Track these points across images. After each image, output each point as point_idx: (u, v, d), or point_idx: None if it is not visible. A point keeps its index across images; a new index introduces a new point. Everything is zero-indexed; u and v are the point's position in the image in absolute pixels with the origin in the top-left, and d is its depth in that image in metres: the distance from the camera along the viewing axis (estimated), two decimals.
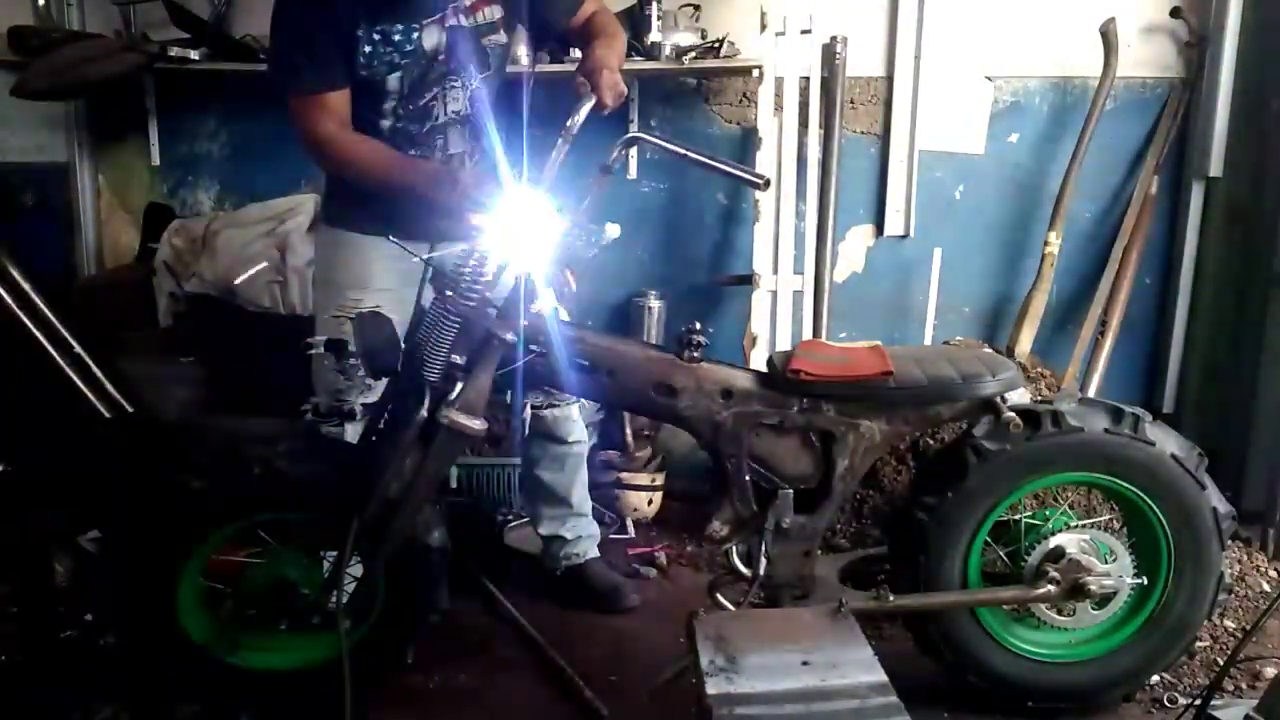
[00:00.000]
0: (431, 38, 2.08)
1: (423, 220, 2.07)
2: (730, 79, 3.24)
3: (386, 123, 2.14)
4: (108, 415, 2.85)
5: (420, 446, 1.81)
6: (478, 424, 1.81)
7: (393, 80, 2.08)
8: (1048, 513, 2.07)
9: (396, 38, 2.05)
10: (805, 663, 1.59)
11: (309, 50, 2.02)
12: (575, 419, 2.48)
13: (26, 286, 2.85)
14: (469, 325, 1.79)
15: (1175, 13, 3.08)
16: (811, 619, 1.75)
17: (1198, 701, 1.76)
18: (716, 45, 3.05)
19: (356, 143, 2.06)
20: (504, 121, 2.25)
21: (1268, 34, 2.94)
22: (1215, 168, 3.06)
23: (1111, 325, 3.13)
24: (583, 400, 2.44)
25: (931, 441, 2.75)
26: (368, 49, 2.03)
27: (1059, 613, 2.02)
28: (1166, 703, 2.11)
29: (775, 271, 3.11)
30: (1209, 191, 3.14)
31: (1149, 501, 1.96)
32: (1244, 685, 2.18)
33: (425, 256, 1.88)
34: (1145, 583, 2.01)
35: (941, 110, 3.21)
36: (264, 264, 2.97)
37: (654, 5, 3.01)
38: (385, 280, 2.19)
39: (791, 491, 1.95)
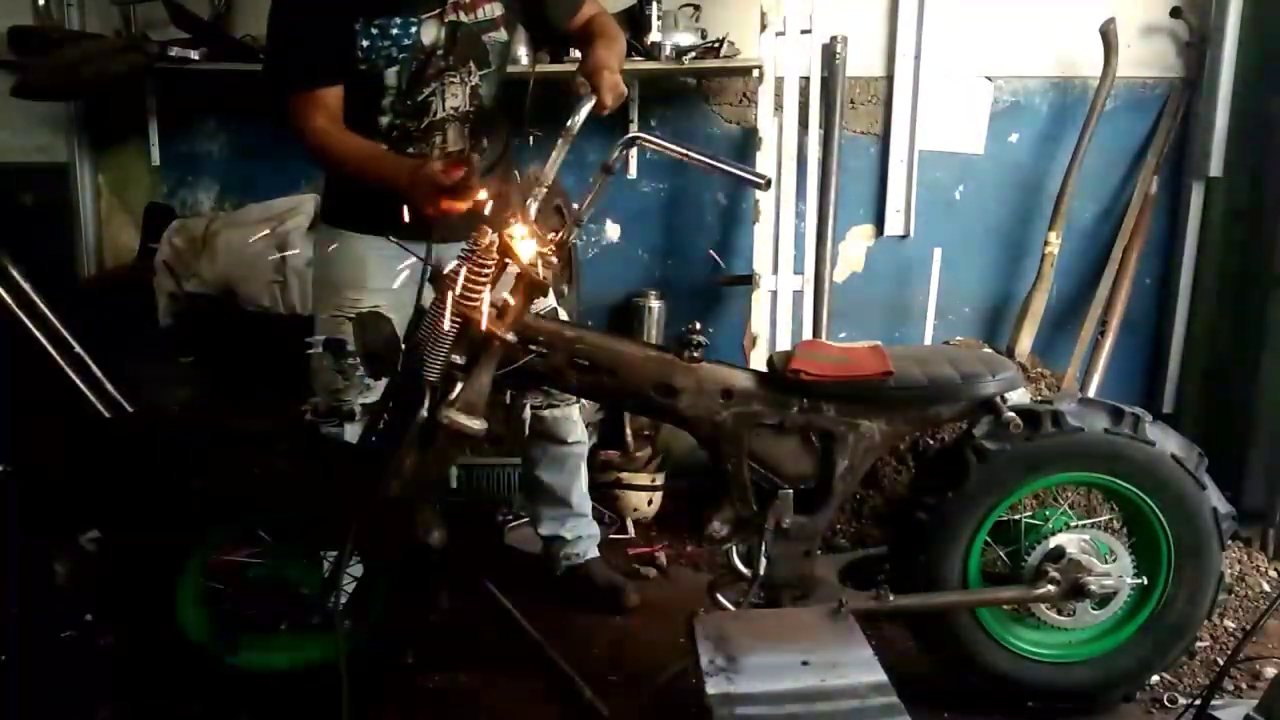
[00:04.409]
0: (430, 32, 2.08)
1: (422, 220, 2.06)
2: (730, 79, 3.24)
3: (385, 118, 2.13)
4: (108, 415, 2.86)
5: (420, 446, 1.81)
6: (478, 424, 1.81)
7: (390, 75, 2.08)
8: (1048, 513, 2.07)
9: (395, 31, 2.04)
10: (805, 663, 1.59)
11: (304, 45, 2.02)
12: (575, 419, 2.47)
13: (26, 286, 2.86)
14: (469, 325, 1.79)
15: (1175, 13, 3.08)
16: (811, 619, 1.76)
17: (1198, 701, 1.76)
18: (716, 45, 3.04)
19: (344, 139, 2.05)
20: (504, 120, 2.24)
21: (1268, 34, 2.94)
22: (1215, 168, 3.06)
23: (1111, 325, 3.13)
24: (583, 400, 2.44)
25: (931, 441, 2.75)
26: (365, 42, 2.03)
27: (1059, 613, 2.02)
28: (1166, 703, 2.11)
29: (775, 271, 3.11)
30: (1209, 191, 3.14)
31: (1149, 501, 1.96)
32: (1244, 685, 2.18)
33: (425, 256, 1.88)
34: (1145, 583, 2.01)
35: (941, 110, 3.21)
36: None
37: (654, 5, 3.00)
38: (384, 280, 2.18)
39: (791, 491, 1.95)
